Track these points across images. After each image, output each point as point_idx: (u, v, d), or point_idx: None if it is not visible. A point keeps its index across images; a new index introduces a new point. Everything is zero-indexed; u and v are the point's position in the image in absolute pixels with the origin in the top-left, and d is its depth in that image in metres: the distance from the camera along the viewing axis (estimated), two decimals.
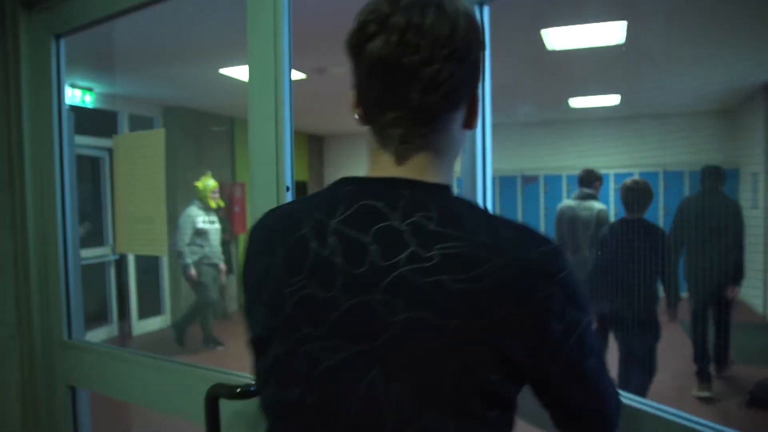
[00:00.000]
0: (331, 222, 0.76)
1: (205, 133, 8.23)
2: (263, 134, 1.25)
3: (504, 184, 10.04)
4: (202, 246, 6.17)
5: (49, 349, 1.79)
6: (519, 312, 0.69)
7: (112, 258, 7.13)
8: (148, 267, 7.71)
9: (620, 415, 0.85)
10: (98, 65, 5.71)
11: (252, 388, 1.25)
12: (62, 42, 1.74)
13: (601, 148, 9.49)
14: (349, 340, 0.71)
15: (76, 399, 1.78)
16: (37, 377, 1.80)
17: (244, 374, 1.35)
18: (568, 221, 4.66)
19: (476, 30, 0.78)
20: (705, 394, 4.37)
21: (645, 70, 5.81)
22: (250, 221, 1.31)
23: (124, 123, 7.22)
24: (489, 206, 1.24)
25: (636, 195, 3.69)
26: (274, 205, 1.21)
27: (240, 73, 5.82)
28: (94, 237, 7.28)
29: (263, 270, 0.81)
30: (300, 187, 10.64)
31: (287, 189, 1.21)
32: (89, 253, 6.94)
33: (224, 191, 8.48)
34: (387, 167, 0.79)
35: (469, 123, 0.83)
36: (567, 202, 4.84)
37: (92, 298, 7.75)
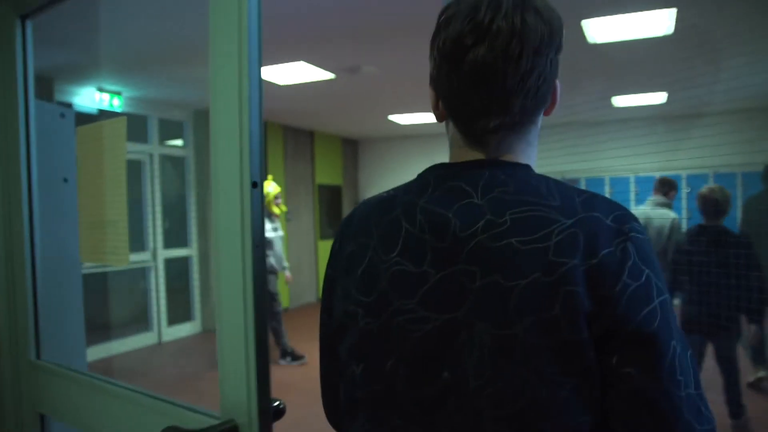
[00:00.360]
0: (420, 202, 0.79)
1: None
2: (226, 128, 1.03)
3: None
4: (267, 255, 5.92)
5: (17, 371, 1.60)
6: (587, 265, 0.69)
7: (152, 264, 7.05)
8: (179, 272, 7.62)
9: None
10: (126, 68, 5.61)
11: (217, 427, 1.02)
12: (29, 24, 1.55)
13: (645, 149, 9.06)
14: (437, 310, 0.74)
15: (45, 426, 1.58)
16: (4, 401, 1.61)
17: (210, 412, 1.12)
18: None
19: (562, 29, 0.80)
20: (761, 374, 4.53)
21: (695, 64, 5.42)
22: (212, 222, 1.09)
23: (153, 127, 7.15)
24: None
25: (712, 203, 3.70)
26: (238, 203, 1.01)
27: (265, 73, 5.65)
28: (134, 242, 7.22)
29: (358, 248, 0.83)
30: (334, 191, 10.45)
31: (254, 185, 0.98)
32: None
33: None
34: (474, 158, 0.81)
35: (549, 111, 0.85)
36: (640, 208, 4.89)
37: (132, 304, 7.71)
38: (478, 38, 0.73)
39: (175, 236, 7.55)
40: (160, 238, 7.18)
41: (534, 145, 0.85)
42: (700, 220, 3.79)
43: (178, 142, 7.67)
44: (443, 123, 0.87)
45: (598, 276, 0.68)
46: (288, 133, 9.17)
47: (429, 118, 8.48)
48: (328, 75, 5.76)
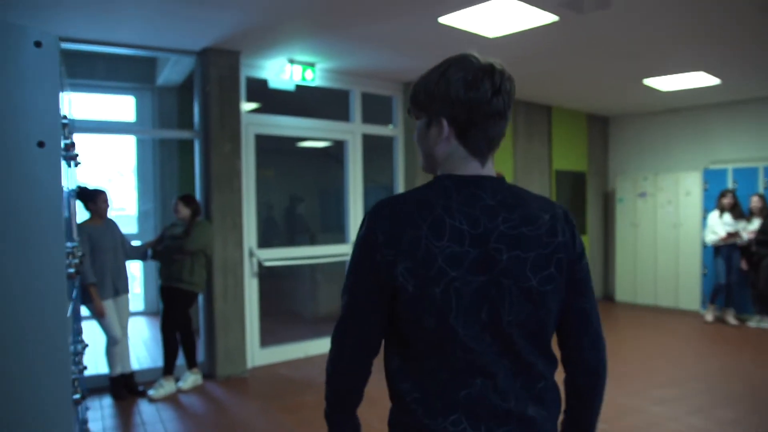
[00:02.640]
0: (452, 204, 1.23)
1: None
2: None
3: (740, 176, 7.26)
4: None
5: None
6: (563, 241, 1.26)
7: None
8: None
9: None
10: (320, 31, 4.77)
11: None
12: None
13: None
14: (477, 274, 1.19)
15: None
16: None
17: None
18: None
19: None
20: None
21: None
22: None
23: (355, 103, 6.32)
24: None
25: None
26: None
27: (464, 20, 4.36)
28: (336, 233, 6.57)
29: (410, 238, 1.21)
30: (577, 178, 8.75)
31: None
32: (328, 251, 6.24)
33: None
34: (475, 169, 1.29)
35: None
36: None
37: (327, 302, 7.13)
38: (494, 93, 1.23)
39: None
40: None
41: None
42: None
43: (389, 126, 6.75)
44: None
45: (569, 248, 1.27)
46: (519, 108, 7.75)
47: (702, 80, 6.40)
48: (547, 17, 4.27)
